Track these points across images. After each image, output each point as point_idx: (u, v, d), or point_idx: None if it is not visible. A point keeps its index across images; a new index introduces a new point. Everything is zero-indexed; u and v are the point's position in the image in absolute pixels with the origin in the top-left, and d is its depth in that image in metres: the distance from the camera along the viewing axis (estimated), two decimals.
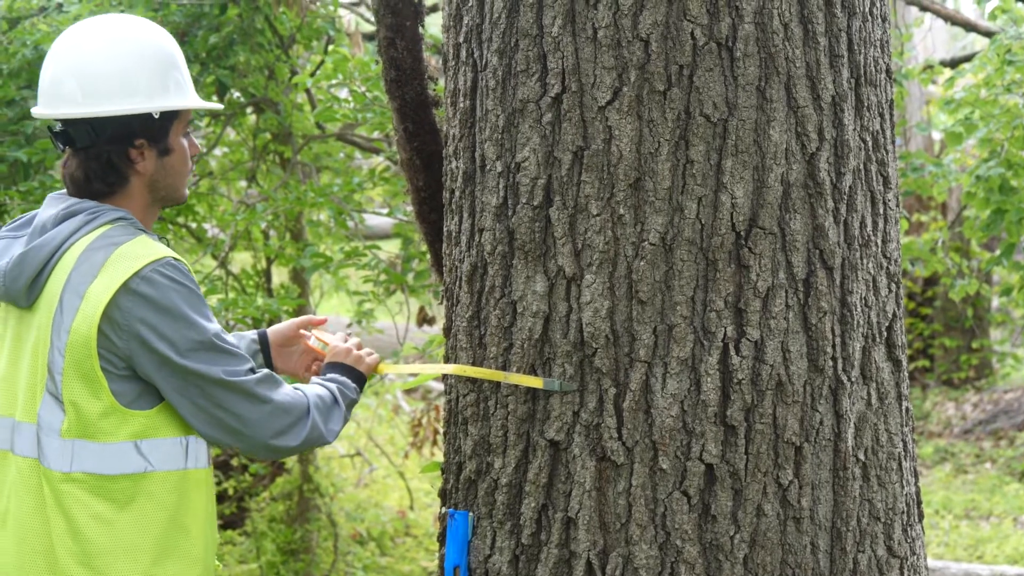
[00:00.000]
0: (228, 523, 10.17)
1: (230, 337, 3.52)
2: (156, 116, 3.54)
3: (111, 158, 3.52)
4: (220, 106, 3.76)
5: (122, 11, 7.01)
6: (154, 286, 3.39)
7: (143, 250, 3.43)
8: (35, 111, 3.60)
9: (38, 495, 3.43)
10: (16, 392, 3.50)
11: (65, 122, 3.51)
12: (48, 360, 3.40)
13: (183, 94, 3.62)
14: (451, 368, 3.77)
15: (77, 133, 3.51)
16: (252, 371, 3.48)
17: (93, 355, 3.37)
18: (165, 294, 3.40)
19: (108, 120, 3.50)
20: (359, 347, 3.85)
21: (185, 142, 3.63)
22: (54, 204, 3.53)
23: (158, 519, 3.46)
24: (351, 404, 3.72)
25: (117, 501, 3.42)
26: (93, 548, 3.41)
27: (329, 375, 3.75)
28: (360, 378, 3.80)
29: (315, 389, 3.63)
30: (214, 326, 3.45)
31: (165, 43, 3.67)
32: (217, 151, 8.76)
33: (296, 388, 3.57)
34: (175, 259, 3.45)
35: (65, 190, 3.58)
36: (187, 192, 3.72)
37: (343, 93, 7.50)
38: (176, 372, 3.40)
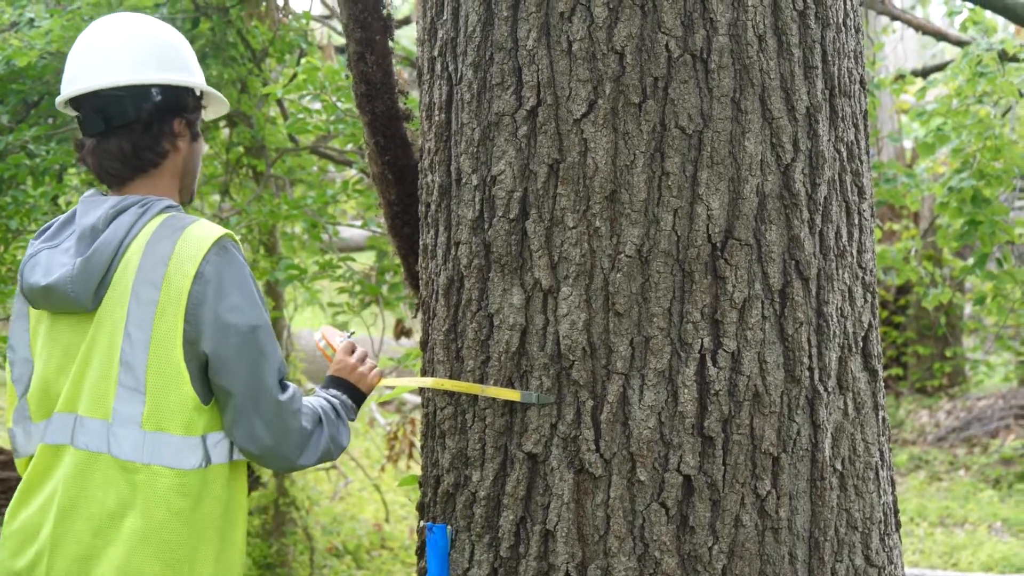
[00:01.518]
0: None
1: None
2: (198, 94, 3.65)
3: (159, 129, 3.57)
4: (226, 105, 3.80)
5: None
6: (223, 263, 3.45)
7: (206, 231, 3.47)
8: (73, 89, 3.59)
9: (112, 488, 3.46)
10: (79, 390, 3.51)
11: (99, 102, 3.54)
12: (122, 355, 3.44)
13: (215, 100, 3.73)
14: (429, 381, 3.77)
15: (117, 109, 3.54)
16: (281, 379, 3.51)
17: (178, 346, 3.42)
18: (232, 272, 3.45)
19: (156, 90, 3.56)
20: (363, 358, 3.82)
21: (201, 143, 3.69)
22: (97, 205, 3.54)
23: (217, 512, 3.52)
24: (349, 421, 3.71)
25: (191, 496, 3.47)
26: (172, 542, 3.46)
27: (332, 390, 3.75)
28: (360, 397, 3.79)
29: (321, 403, 3.64)
30: (266, 315, 3.50)
31: (178, 34, 3.72)
32: None
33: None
34: (232, 237, 3.50)
35: (92, 191, 3.60)
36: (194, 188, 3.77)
37: (316, 106, 7.50)
38: (236, 342, 3.44)
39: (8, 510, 3.65)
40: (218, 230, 3.48)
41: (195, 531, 3.50)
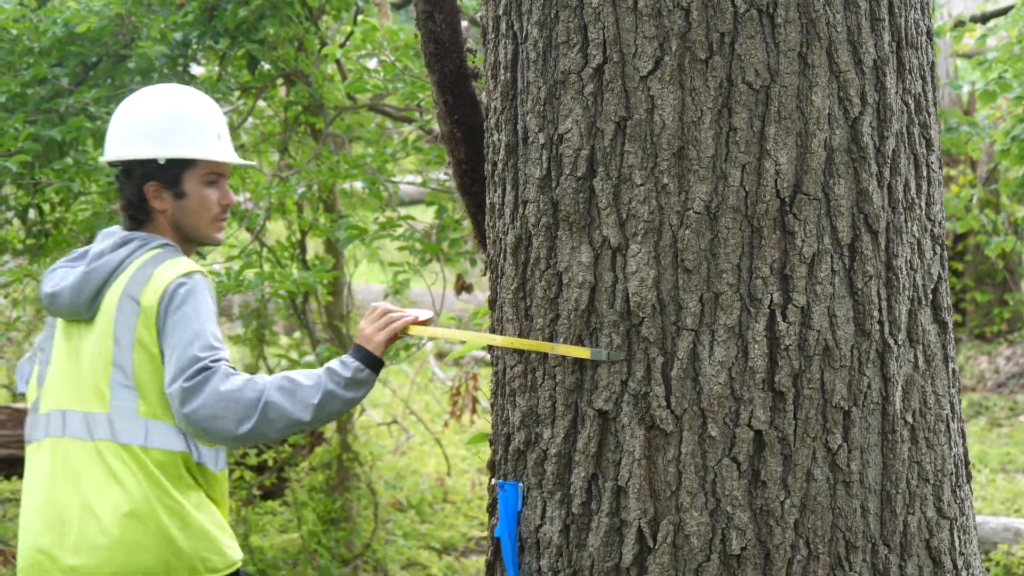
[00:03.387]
0: (268, 493, 10.21)
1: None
2: (162, 162, 4.31)
3: (132, 195, 4.34)
4: (227, 160, 4.40)
5: None
6: (185, 288, 4.16)
7: (180, 266, 4.21)
8: (102, 159, 4.48)
9: (112, 466, 4.17)
10: (82, 387, 4.24)
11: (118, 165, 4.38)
12: (113, 356, 4.18)
13: (194, 147, 4.34)
14: (498, 339, 3.79)
15: (117, 174, 4.38)
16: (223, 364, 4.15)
17: (155, 348, 4.15)
18: (189, 294, 4.17)
19: (128, 163, 4.33)
20: (382, 315, 4.16)
21: (209, 191, 4.36)
22: (110, 236, 4.33)
23: (202, 491, 4.28)
24: (349, 383, 4.12)
25: (175, 473, 4.20)
26: (158, 510, 4.17)
27: (340, 358, 4.20)
28: (368, 356, 4.14)
29: (289, 375, 4.18)
30: (216, 329, 4.19)
31: (191, 105, 4.42)
32: (248, 123, 8.76)
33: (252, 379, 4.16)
34: (201, 272, 4.22)
35: (117, 227, 4.40)
36: (218, 236, 4.47)
37: (372, 63, 7.50)
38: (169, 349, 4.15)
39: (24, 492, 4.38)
40: (189, 267, 4.22)
41: (202, 513, 4.22)
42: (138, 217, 4.37)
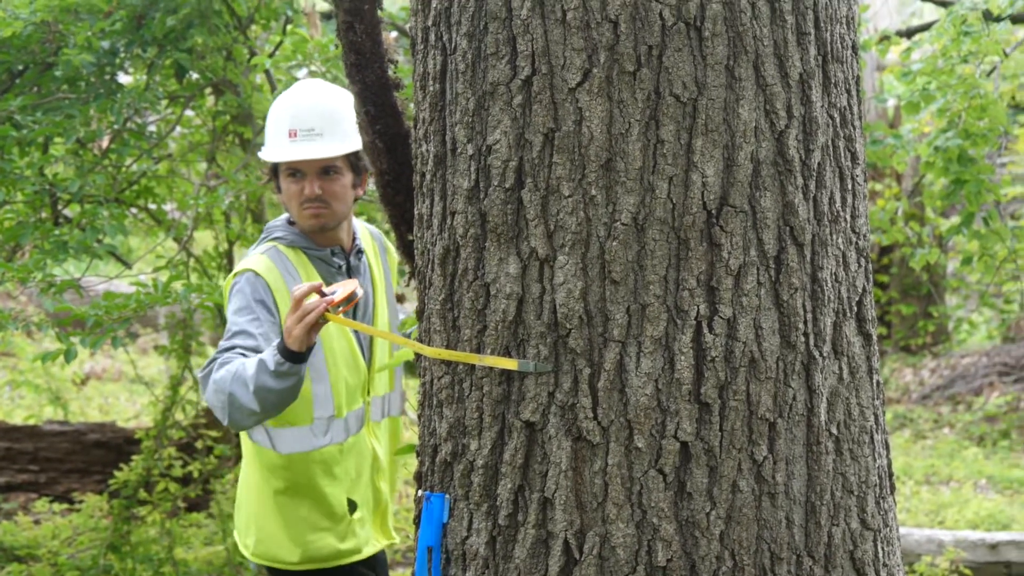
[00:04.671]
0: (193, 505, 10.15)
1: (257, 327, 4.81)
2: (268, 162, 5.07)
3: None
4: (276, 159, 4.98)
5: None
6: (228, 295, 4.93)
7: (240, 266, 4.97)
8: None
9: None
10: None
11: None
12: None
13: (267, 148, 5.00)
14: (427, 350, 3.78)
15: None
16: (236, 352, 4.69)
17: None
18: (230, 299, 4.90)
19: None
20: (298, 306, 4.36)
21: (291, 184, 4.96)
22: None
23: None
24: (276, 375, 4.46)
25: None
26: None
27: (271, 347, 4.53)
28: (286, 349, 4.43)
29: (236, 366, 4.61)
30: (239, 323, 4.78)
31: (278, 105, 5.05)
32: (176, 132, 8.71)
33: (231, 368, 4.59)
34: (248, 273, 4.89)
35: None
36: (312, 223, 4.98)
37: (302, 74, 7.48)
38: None
39: None
40: (244, 266, 4.92)
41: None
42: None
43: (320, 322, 4.32)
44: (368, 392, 5.14)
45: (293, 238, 5.01)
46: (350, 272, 5.08)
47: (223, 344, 4.71)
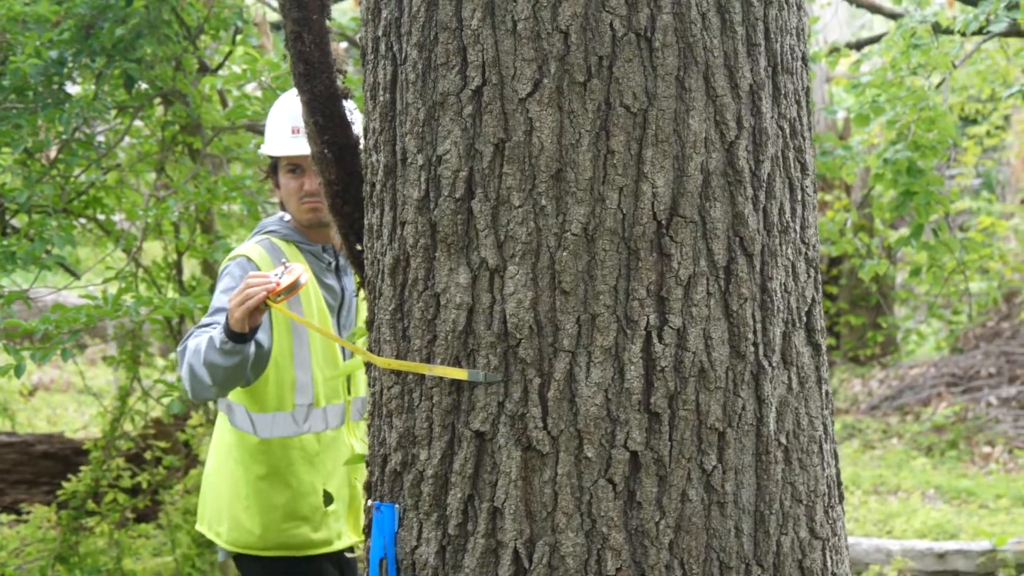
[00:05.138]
0: (142, 516, 10.10)
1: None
2: (267, 157, 5.43)
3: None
4: (282, 152, 5.21)
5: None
6: (220, 274, 5.19)
7: (236, 252, 5.24)
8: None
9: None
10: None
11: None
12: None
13: (269, 143, 5.25)
14: (376, 360, 3.78)
15: None
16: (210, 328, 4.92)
17: None
18: (220, 279, 5.16)
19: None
20: (245, 288, 4.64)
21: (291, 180, 5.23)
22: None
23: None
24: (221, 352, 4.73)
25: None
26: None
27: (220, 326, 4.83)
28: (228, 329, 4.71)
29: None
30: (222, 301, 4.96)
31: (279, 105, 5.30)
32: (125, 142, 8.67)
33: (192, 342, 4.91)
34: (241, 258, 5.15)
35: None
36: (310, 216, 5.23)
37: (252, 86, 7.46)
38: None
39: None
40: (240, 252, 5.19)
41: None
42: (281, 207, 5.37)
43: (260, 308, 4.60)
44: (350, 391, 5.37)
45: (287, 232, 5.29)
46: (339, 270, 5.35)
47: (203, 320, 4.99)
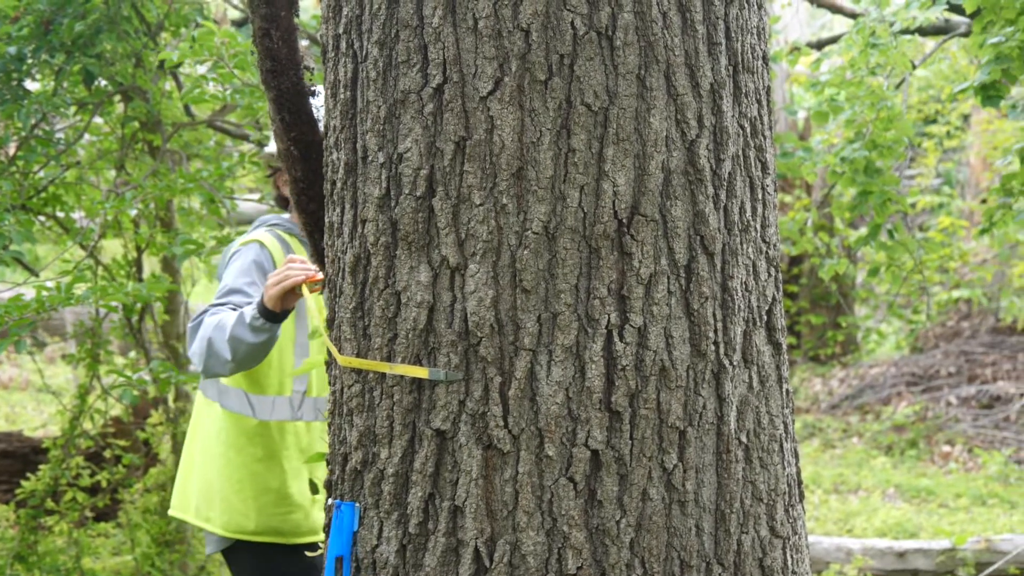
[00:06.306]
0: (101, 515, 10.07)
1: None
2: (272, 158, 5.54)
3: (272, 186, 5.63)
4: (263, 149, 5.69)
5: None
6: (228, 256, 5.32)
7: (248, 237, 5.33)
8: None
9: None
10: None
11: None
12: None
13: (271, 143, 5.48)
14: (337, 358, 3.77)
15: None
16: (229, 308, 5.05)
17: None
18: (232, 261, 5.28)
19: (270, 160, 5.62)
20: (285, 268, 4.77)
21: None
22: None
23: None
24: (251, 328, 4.83)
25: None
26: None
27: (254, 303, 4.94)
28: (261, 306, 4.78)
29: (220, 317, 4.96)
30: (237, 282, 5.11)
31: None
32: (85, 140, 8.63)
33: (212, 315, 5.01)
34: (255, 243, 5.28)
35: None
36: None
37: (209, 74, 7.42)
38: None
39: None
40: (253, 237, 5.29)
41: None
42: (280, 203, 5.55)
43: (296, 291, 4.69)
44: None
45: (290, 226, 5.44)
46: None
47: (216, 300, 5.09)
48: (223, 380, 5.32)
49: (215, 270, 8.76)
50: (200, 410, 5.51)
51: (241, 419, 5.31)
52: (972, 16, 6.87)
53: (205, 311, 5.03)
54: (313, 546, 5.38)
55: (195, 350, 4.97)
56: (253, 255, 5.22)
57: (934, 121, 16.63)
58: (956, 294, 15.94)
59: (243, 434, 5.31)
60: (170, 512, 5.59)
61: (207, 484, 5.39)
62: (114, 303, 6.93)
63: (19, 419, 14.89)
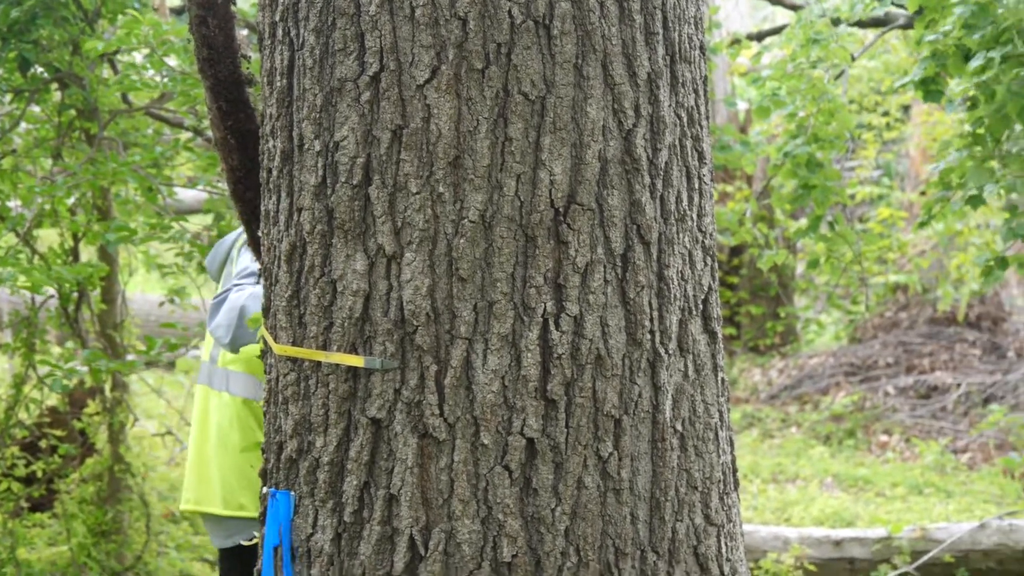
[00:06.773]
0: (37, 506, 9.99)
1: None
2: None
3: None
4: None
5: None
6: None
7: None
8: None
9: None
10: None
11: None
12: None
13: None
14: (273, 346, 3.76)
15: None
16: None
17: None
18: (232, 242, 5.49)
19: None
20: None
21: None
22: None
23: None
24: None
25: None
26: None
27: None
28: None
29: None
30: (255, 265, 4.91)
31: None
32: (21, 128, 8.55)
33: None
34: None
35: None
36: None
37: (141, 61, 7.38)
38: None
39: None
40: None
41: None
42: None
43: None
44: None
45: None
46: None
47: (236, 280, 5.23)
48: (230, 366, 5.39)
49: (154, 260, 8.71)
50: (205, 403, 5.52)
51: (252, 403, 5.39)
52: (915, 15, 6.90)
53: (227, 289, 5.15)
54: (250, 537, 5.36)
55: (220, 322, 5.06)
56: None
57: (872, 111, 16.71)
58: (893, 278, 16.03)
59: (258, 418, 5.41)
60: (185, 507, 5.53)
61: (236, 471, 5.41)
62: (45, 288, 6.86)
63: None
